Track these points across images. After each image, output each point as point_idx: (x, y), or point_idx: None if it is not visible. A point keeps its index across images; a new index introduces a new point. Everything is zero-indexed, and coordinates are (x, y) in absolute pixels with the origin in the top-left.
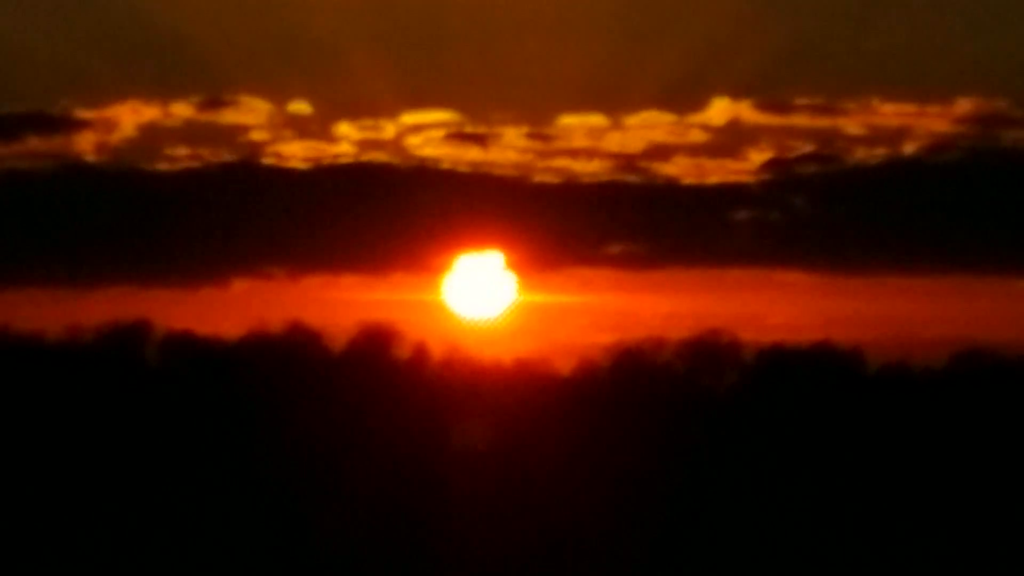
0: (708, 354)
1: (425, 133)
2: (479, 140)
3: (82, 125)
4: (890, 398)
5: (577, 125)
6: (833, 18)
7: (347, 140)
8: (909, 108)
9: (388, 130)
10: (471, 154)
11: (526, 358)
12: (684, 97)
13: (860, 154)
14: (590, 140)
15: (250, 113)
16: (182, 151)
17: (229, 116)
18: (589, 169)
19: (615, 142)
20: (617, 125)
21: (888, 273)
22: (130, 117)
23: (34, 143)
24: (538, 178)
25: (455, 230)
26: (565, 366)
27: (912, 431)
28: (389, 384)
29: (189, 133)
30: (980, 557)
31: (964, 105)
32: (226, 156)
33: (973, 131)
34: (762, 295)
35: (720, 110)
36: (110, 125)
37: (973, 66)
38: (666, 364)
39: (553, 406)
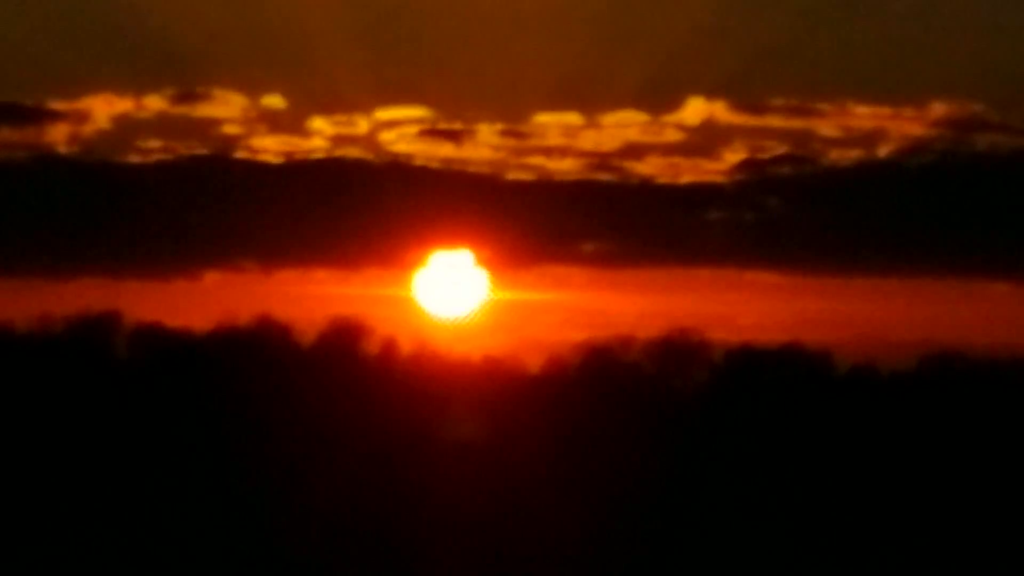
0: (677, 353)
1: (399, 129)
2: (453, 136)
3: (55, 116)
4: (858, 400)
5: (552, 123)
6: (809, 20)
7: (321, 135)
8: (884, 111)
9: (362, 125)
10: (445, 150)
11: (496, 355)
12: (659, 97)
13: (834, 156)
14: (565, 138)
15: (224, 106)
16: (155, 144)
17: (202, 109)
18: (563, 167)
19: (590, 140)
20: (592, 124)
21: (859, 275)
22: (103, 109)
23: (7, 134)
24: (512, 175)
25: (428, 226)
26: (535, 364)
27: (880, 433)
28: (358, 380)
29: (162, 126)
30: (947, 556)
31: (938, 108)
32: (199, 149)
33: (947, 134)
34: (733, 295)
35: (695, 110)
36: (83, 117)
37: (948, 69)
38: (635, 363)
39: (522, 404)
